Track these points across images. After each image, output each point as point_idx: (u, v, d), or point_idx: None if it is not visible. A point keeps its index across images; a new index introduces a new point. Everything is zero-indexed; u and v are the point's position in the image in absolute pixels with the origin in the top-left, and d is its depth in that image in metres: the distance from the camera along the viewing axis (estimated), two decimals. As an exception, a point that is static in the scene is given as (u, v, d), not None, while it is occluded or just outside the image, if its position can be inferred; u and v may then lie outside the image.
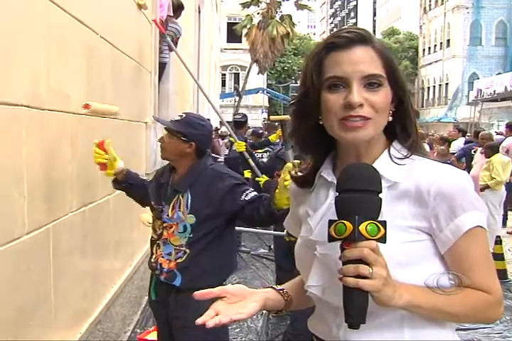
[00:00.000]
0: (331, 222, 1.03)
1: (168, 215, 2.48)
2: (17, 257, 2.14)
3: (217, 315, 1.13)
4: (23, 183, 2.15)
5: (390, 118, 1.19)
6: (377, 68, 1.15)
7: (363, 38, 1.16)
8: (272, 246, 6.47)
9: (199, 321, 1.11)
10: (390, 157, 1.20)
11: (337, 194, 1.07)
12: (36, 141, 2.31)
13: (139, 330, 4.17)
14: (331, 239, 1.03)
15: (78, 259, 3.00)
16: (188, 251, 2.44)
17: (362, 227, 1.00)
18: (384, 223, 1.02)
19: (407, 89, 1.22)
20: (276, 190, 2.29)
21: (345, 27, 1.30)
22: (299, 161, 2.14)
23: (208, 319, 1.11)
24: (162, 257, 2.49)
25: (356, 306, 1.00)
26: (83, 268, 3.11)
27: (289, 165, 2.09)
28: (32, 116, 2.23)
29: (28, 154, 2.20)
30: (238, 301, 1.18)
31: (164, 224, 2.50)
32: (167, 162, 2.65)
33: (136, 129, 4.61)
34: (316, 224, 1.23)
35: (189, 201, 2.45)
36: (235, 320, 1.14)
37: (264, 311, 1.30)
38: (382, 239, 1.01)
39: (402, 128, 1.21)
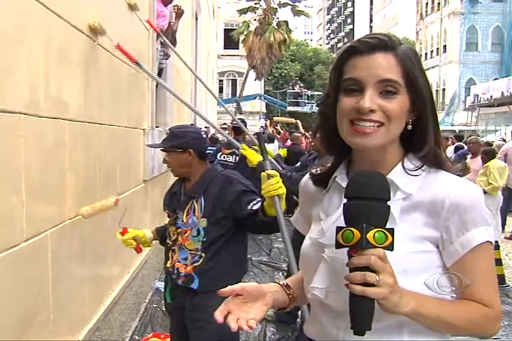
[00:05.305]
0: (338, 229, 1.03)
1: (182, 221, 2.58)
2: (16, 264, 2.14)
3: (229, 313, 1.16)
4: (21, 190, 2.16)
5: (410, 127, 1.19)
6: (394, 75, 1.14)
7: (384, 45, 1.15)
8: (271, 253, 6.48)
9: (217, 315, 1.15)
10: (404, 168, 1.20)
11: (345, 200, 1.07)
12: (34, 148, 2.31)
13: (137, 337, 4.16)
14: (339, 245, 1.03)
15: (76, 266, 2.99)
16: (203, 255, 2.53)
17: (370, 235, 1.00)
18: (392, 231, 1.01)
19: (429, 99, 1.21)
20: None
21: (373, 33, 1.28)
22: (275, 172, 2.26)
23: (222, 316, 1.15)
24: (178, 262, 2.58)
25: (362, 313, 1.00)
26: (81, 274, 3.10)
27: (264, 174, 2.23)
28: (30, 123, 2.24)
29: (26, 161, 2.21)
30: (251, 301, 1.21)
31: (179, 230, 2.59)
32: (164, 168, 2.73)
33: (134, 136, 4.62)
34: (328, 227, 1.23)
35: (203, 205, 2.55)
36: (244, 328, 1.16)
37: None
38: (390, 247, 1.01)
39: (420, 139, 1.21)
